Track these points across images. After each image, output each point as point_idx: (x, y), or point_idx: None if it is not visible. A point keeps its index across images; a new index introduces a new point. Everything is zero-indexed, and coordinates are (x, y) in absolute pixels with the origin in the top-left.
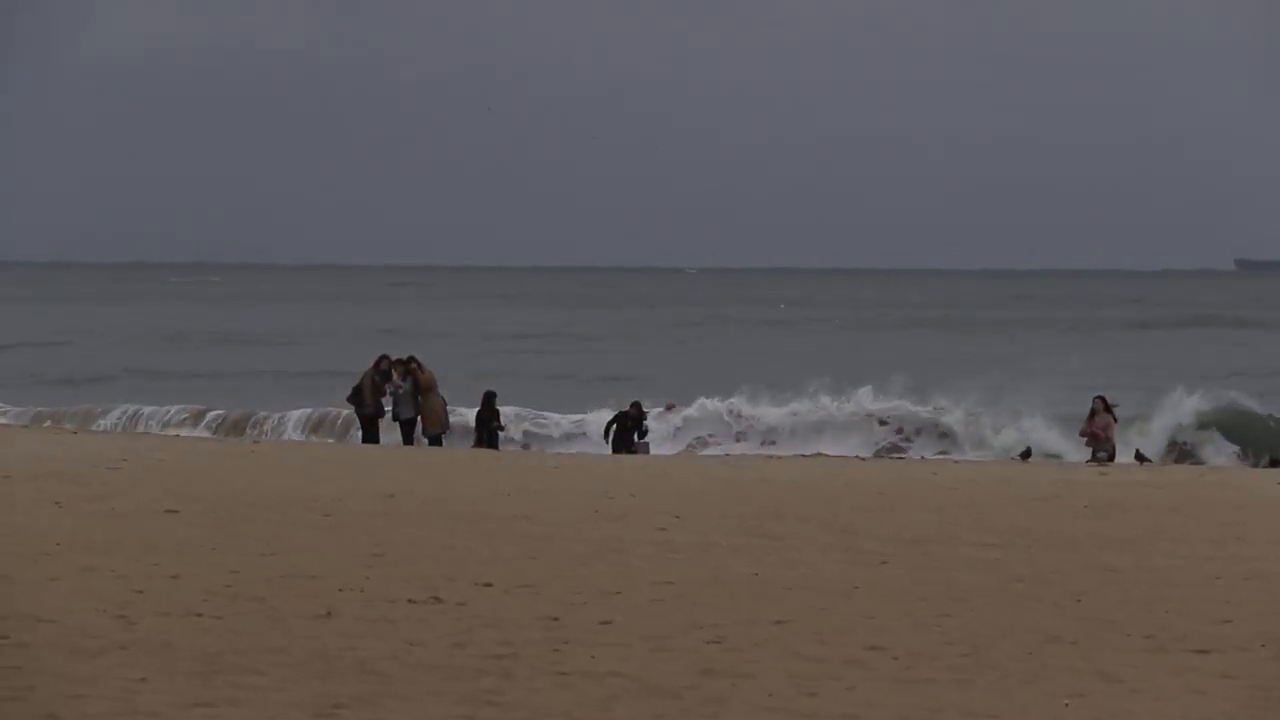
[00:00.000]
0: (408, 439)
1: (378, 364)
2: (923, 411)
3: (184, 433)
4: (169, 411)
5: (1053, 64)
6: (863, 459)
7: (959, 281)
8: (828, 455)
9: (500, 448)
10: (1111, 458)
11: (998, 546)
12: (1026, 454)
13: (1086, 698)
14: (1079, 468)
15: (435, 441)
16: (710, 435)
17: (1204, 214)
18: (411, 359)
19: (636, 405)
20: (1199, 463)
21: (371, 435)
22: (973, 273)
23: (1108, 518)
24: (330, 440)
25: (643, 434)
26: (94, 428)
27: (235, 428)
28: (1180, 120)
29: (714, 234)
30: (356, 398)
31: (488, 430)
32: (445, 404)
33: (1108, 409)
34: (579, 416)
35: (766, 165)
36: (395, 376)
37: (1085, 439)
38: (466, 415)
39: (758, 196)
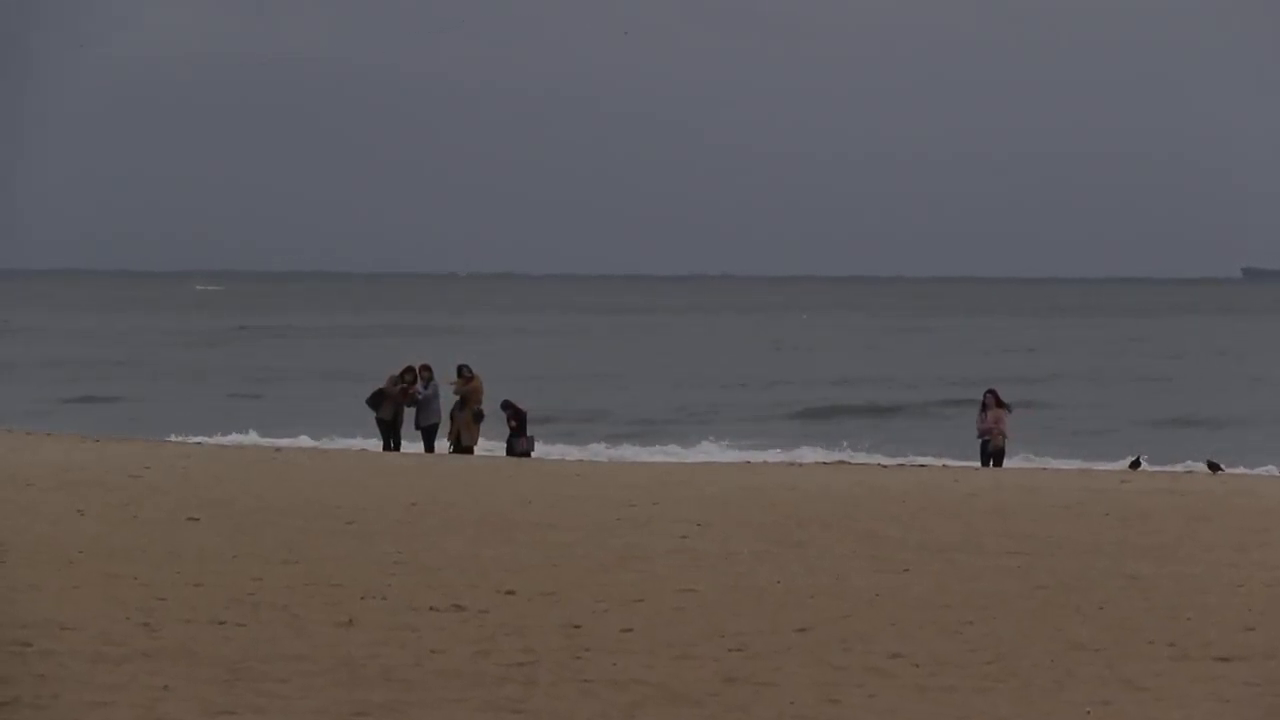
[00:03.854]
0: (429, 446)
1: (404, 374)
2: None
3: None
4: None
5: (1056, 75)
6: (884, 466)
7: (976, 288)
8: (850, 463)
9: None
10: (1001, 452)
11: (1021, 554)
12: (1136, 464)
13: (1110, 705)
14: (1103, 475)
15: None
16: None
17: (1210, 223)
18: (463, 367)
19: (510, 404)
20: None
21: (389, 441)
22: (973, 280)
23: (1131, 525)
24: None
25: (523, 431)
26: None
27: None
28: (1187, 129)
29: (730, 240)
30: (375, 400)
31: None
32: (478, 418)
33: (1000, 403)
34: None
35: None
36: (418, 383)
37: (979, 435)
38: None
39: (770, 205)
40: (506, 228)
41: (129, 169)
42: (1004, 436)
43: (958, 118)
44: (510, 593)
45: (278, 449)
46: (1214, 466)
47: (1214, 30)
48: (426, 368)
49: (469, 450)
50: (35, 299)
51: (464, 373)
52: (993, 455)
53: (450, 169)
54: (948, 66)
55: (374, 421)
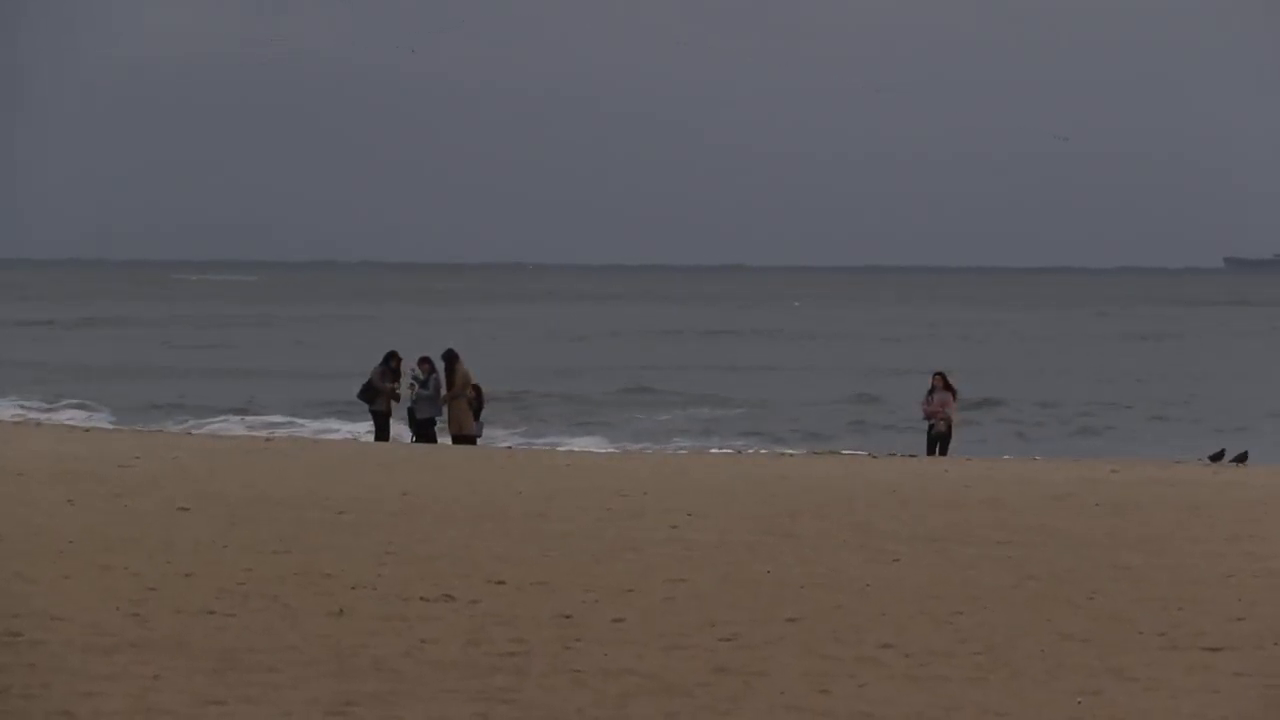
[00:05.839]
0: (424, 438)
1: (386, 360)
2: None
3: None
4: None
5: (1056, 75)
6: (875, 457)
7: (968, 279)
8: (842, 453)
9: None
10: (948, 435)
11: (1012, 544)
12: (1218, 456)
13: (1100, 695)
14: (1095, 465)
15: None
16: None
17: (1211, 222)
18: (449, 352)
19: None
20: None
21: (384, 432)
22: (969, 270)
23: (1122, 516)
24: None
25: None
26: None
27: None
28: (1187, 129)
29: (729, 233)
30: (368, 394)
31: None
32: (472, 404)
33: (947, 386)
34: None
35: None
36: (419, 374)
37: (925, 418)
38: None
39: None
40: (506, 227)
41: (129, 169)
42: (949, 421)
43: (958, 118)
44: (501, 583)
45: (268, 439)
46: (1231, 458)
47: (1214, 30)
48: (425, 360)
49: (470, 440)
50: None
51: (447, 358)
52: (938, 439)
53: (450, 169)
54: (948, 66)
55: (369, 413)
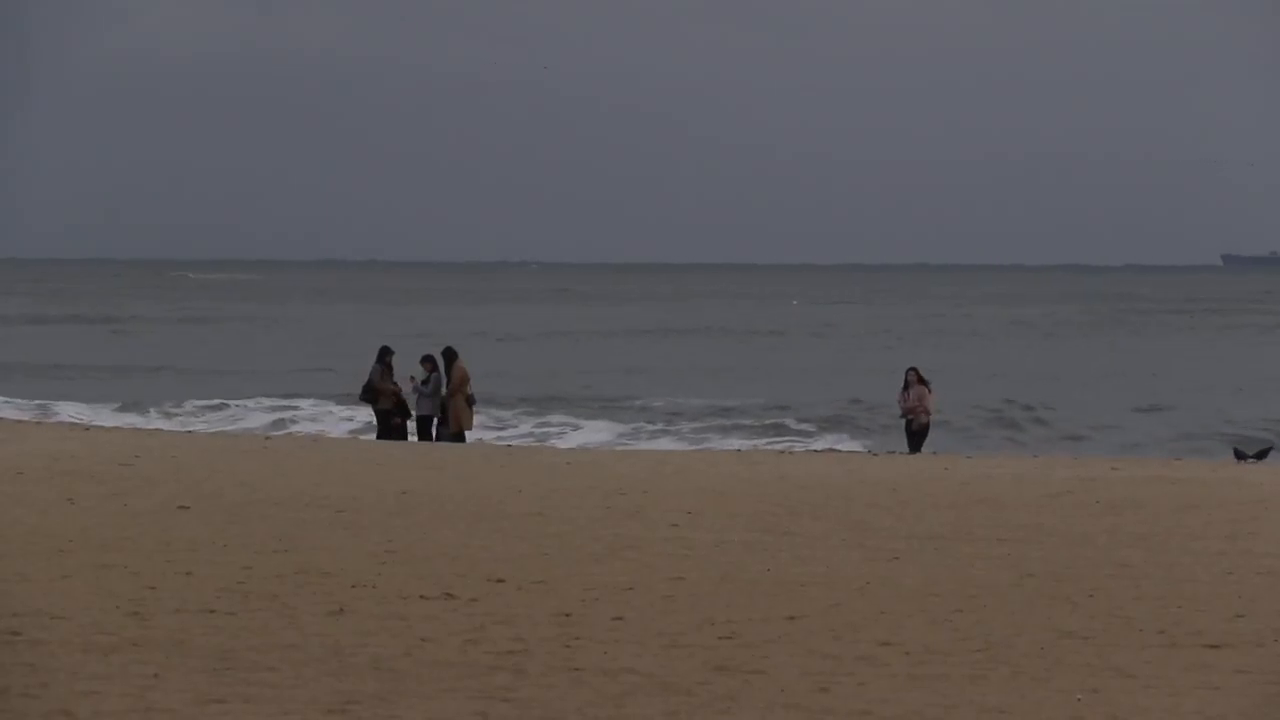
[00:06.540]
0: (423, 435)
1: (381, 357)
2: None
3: None
4: None
5: (1058, 75)
6: (874, 455)
7: (967, 276)
8: (841, 451)
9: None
10: (925, 430)
11: (1011, 542)
12: (1263, 454)
13: (1100, 693)
14: (1094, 463)
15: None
16: None
17: (1190, 211)
18: (448, 349)
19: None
20: None
21: (386, 432)
22: (969, 269)
23: (1121, 514)
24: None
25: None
26: None
27: None
28: (1171, 121)
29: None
30: (369, 395)
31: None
32: (471, 403)
33: (921, 380)
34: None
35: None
36: (421, 372)
37: (902, 414)
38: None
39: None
40: (508, 227)
41: (129, 169)
42: (928, 414)
43: (961, 118)
44: (500, 581)
45: (268, 438)
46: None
47: (1214, 30)
48: (428, 358)
49: (464, 438)
50: None
51: (447, 356)
52: (917, 434)
53: (452, 169)
54: (950, 67)
55: (373, 413)
